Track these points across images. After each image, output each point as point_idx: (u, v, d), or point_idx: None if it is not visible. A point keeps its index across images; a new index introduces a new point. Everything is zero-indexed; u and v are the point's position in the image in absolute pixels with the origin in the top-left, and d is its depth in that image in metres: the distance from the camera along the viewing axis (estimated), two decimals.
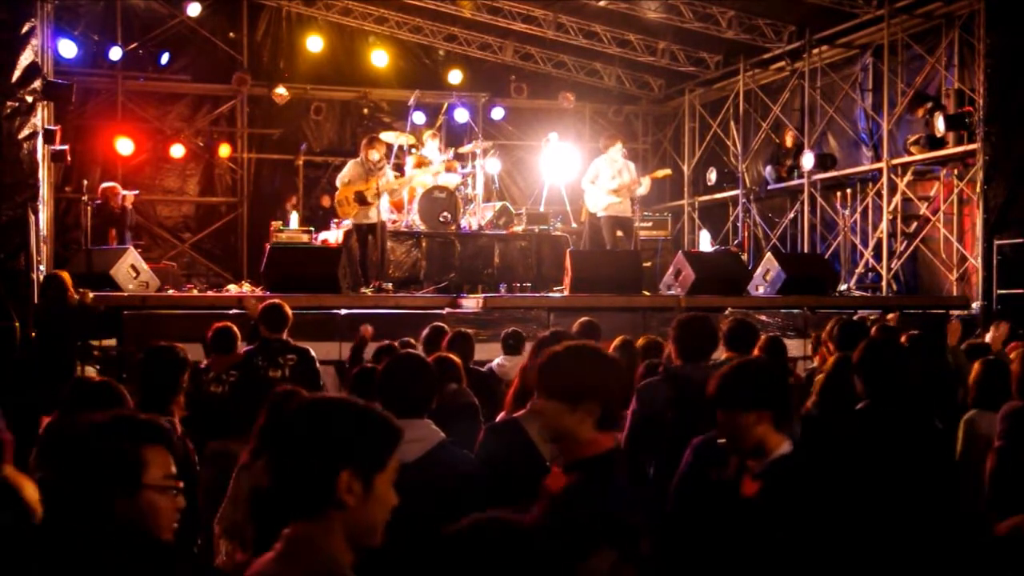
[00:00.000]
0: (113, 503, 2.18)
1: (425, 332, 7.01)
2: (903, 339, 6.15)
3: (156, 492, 2.24)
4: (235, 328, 6.68)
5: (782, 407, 3.25)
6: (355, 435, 2.06)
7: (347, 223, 11.69)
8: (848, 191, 14.39)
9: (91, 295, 8.66)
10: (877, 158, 13.42)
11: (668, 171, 13.31)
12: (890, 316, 8.82)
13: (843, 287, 13.24)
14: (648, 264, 13.61)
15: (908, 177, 12.99)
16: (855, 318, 9.03)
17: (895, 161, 12.86)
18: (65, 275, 8.69)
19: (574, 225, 13.95)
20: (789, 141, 14.97)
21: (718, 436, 3.30)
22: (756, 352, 6.51)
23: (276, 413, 2.17)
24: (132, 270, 10.63)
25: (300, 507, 2.04)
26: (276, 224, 14.38)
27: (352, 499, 2.02)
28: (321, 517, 2.02)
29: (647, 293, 11.35)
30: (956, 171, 12.50)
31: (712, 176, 16.37)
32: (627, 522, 2.65)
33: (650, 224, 15.52)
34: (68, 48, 14.03)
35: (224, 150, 16.20)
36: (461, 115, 16.00)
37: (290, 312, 6.83)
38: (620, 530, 2.61)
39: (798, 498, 3.12)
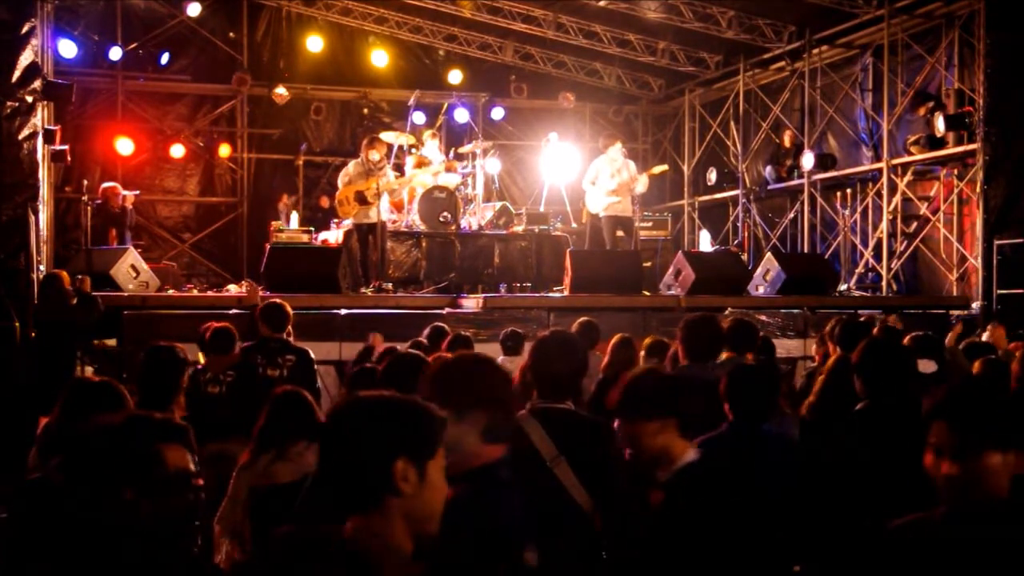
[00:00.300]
0: (138, 501, 2.24)
1: (426, 332, 7.02)
2: (906, 340, 6.14)
3: (175, 489, 2.30)
4: (233, 328, 6.67)
5: (686, 414, 3.26)
6: (407, 425, 2.13)
7: (347, 223, 11.70)
8: (848, 191, 14.39)
9: (88, 281, 8.64)
10: (877, 158, 13.42)
11: (665, 167, 13.30)
12: (891, 318, 8.80)
13: (843, 287, 13.24)
14: (648, 264, 13.61)
15: (908, 177, 12.99)
16: (861, 319, 8.99)
17: (895, 161, 12.86)
18: (64, 275, 8.69)
19: (574, 225, 13.96)
20: (787, 141, 14.97)
21: (621, 446, 3.29)
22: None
23: (331, 413, 2.22)
24: (132, 270, 10.63)
25: (359, 499, 2.10)
26: (276, 224, 14.39)
27: (408, 487, 2.08)
28: (380, 507, 2.08)
29: (647, 293, 11.35)
30: (956, 171, 12.50)
31: (712, 176, 16.37)
32: (512, 535, 2.62)
33: (650, 224, 15.52)
34: (68, 48, 14.02)
35: (224, 150, 16.20)
36: (461, 115, 16.00)
37: (291, 312, 6.83)
38: (504, 543, 2.58)
39: (696, 507, 3.11)
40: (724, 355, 5.15)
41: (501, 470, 2.75)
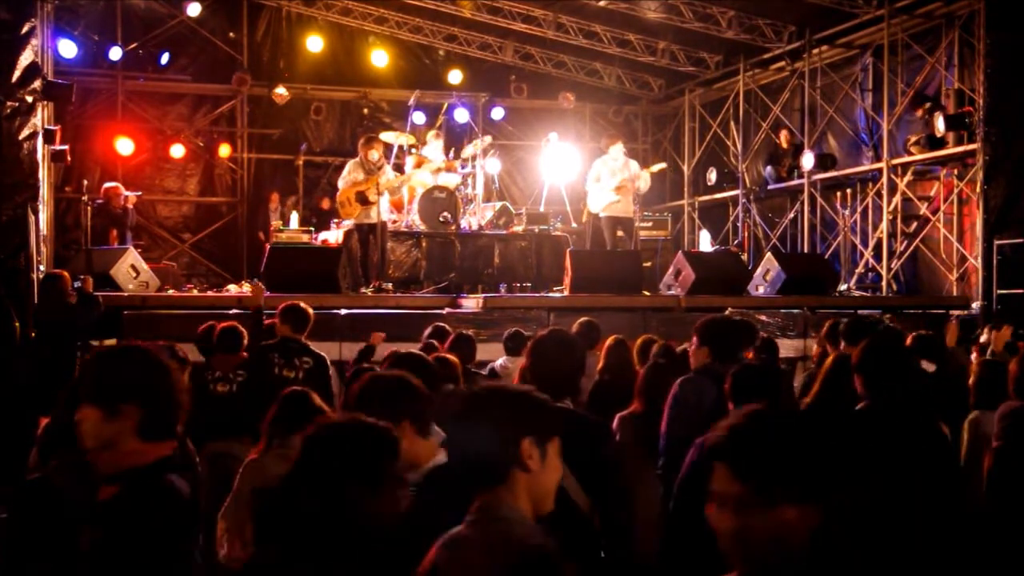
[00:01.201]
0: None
1: (427, 332, 7.01)
2: (909, 339, 6.14)
3: (397, 484, 2.55)
4: (241, 328, 6.67)
5: (420, 414, 3.08)
6: (531, 409, 2.41)
7: (347, 223, 11.70)
8: (848, 191, 14.39)
9: (90, 281, 8.65)
10: (877, 158, 13.42)
11: (663, 164, 13.30)
12: (885, 317, 8.78)
13: (843, 287, 13.24)
14: (648, 264, 13.62)
15: (908, 177, 12.99)
16: (867, 320, 8.96)
17: (895, 161, 12.86)
18: (65, 275, 8.69)
19: (574, 225, 13.96)
20: (784, 141, 14.97)
21: None
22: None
23: (462, 400, 2.45)
24: (132, 270, 10.64)
25: (489, 474, 2.33)
26: (276, 224, 14.40)
27: (533, 464, 2.33)
28: (509, 481, 2.32)
29: (647, 293, 11.36)
30: (956, 171, 12.50)
31: (712, 176, 16.37)
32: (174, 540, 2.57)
33: (650, 224, 15.52)
34: (68, 48, 14.03)
35: (224, 150, 16.21)
36: (461, 115, 16.01)
37: (312, 313, 6.70)
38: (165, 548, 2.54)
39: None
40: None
41: (164, 471, 2.64)
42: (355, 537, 2.35)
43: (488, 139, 13.50)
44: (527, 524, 2.31)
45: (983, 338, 7.41)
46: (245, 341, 6.59)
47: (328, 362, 6.72)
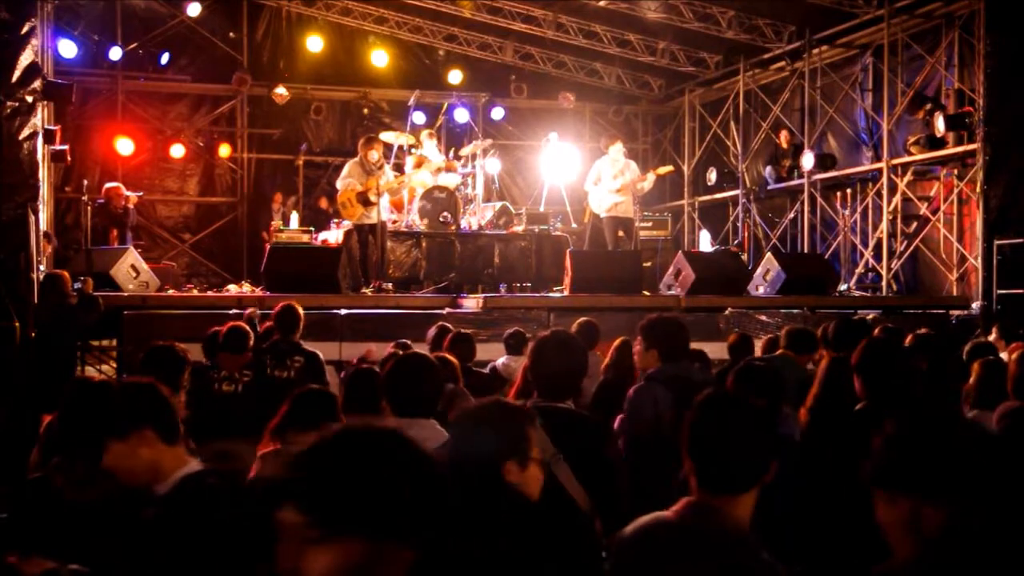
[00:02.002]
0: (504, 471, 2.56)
1: (431, 332, 7.05)
2: (908, 339, 6.14)
3: (537, 465, 2.65)
4: (247, 328, 6.73)
5: (164, 422, 2.92)
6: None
7: (347, 223, 11.70)
8: (848, 191, 14.39)
9: (91, 282, 8.66)
10: (877, 158, 13.42)
11: (671, 168, 13.31)
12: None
13: (843, 287, 13.24)
14: (648, 264, 13.62)
15: (908, 177, 12.98)
16: (855, 322, 8.97)
17: (895, 161, 12.86)
18: (65, 275, 8.69)
19: (574, 225, 13.96)
20: (784, 141, 14.97)
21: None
22: (759, 352, 6.52)
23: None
24: (132, 270, 10.64)
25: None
26: (276, 224, 14.40)
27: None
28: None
29: (647, 293, 11.36)
30: (956, 171, 12.50)
31: (712, 176, 16.37)
32: None
33: (650, 224, 15.52)
34: (68, 48, 14.03)
35: (224, 150, 16.20)
36: (461, 115, 16.01)
37: (301, 315, 6.92)
38: None
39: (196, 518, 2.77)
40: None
41: None
42: (514, 510, 2.43)
43: (488, 142, 13.48)
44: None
45: (991, 338, 7.40)
46: (251, 342, 6.65)
47: (321, 359, 6.90)
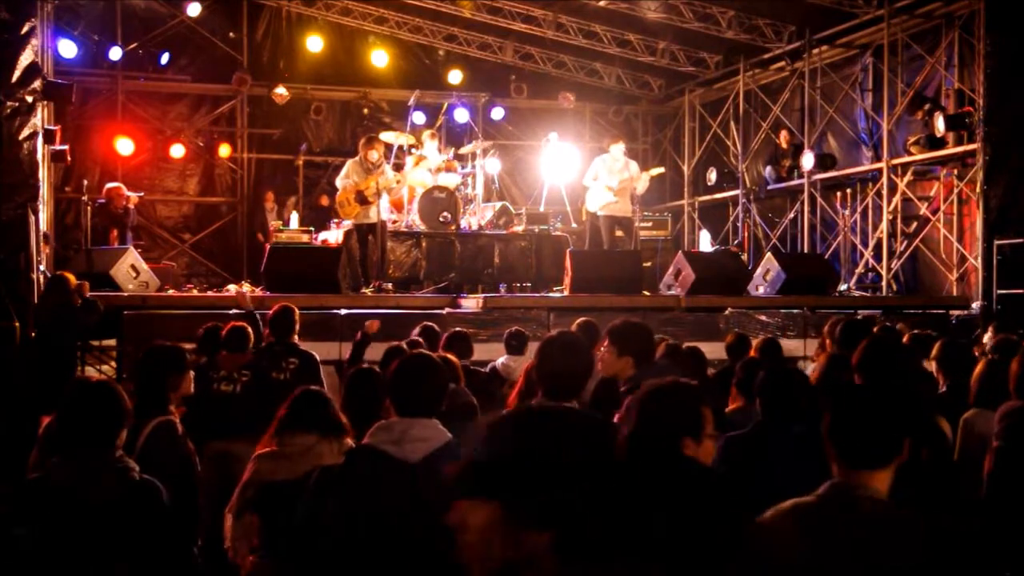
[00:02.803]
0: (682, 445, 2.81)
1: (416, 332, 6.97)
2: (906, 337, 6.14)
3: (711, 440, 2.90)
4: (248, 328, 6.72)
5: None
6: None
7: (347, 223, 11.70)
8: (848, 191, 14.40)
9: (87, 286, 8.64)
10: (877, 158, 13.42)
11: (662, 169, 13.31)
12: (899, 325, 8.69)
13: (843, 287, 13.24)
14: (648, 264, 13.62)
15: (908, 177, 12.99)
16: (862, 321, 8.96)
17: (895, 161, 12.86)
18: (70, 276, 8.69)
19: (574, 225, 13.96)
20: (784, 142, 14.97)
21: None
22: (752, 353, 6.53)
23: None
24: (132, 270, 10.63)
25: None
26: (276, 224, 14.39)
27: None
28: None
29: (647, 293, 11.36)
30: (956, 171, 12.51)
31: (712, 176, 16.37)
32: None
33: (650, 224, 15.53)
34: (68, 48, 14.03)
35: (224, 150, 16.20)
36: (461, 115, 16.01)
37: (296, 317, 6.89)
38: None
39: None
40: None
41: None
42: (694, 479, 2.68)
43: (483, 145, 13.47)
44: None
45: (985, 338, 7.40)
46: (251, 342, 6.65)
47: (316, 359, 6.84)
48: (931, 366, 5.38)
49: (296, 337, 6.90)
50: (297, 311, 6.99)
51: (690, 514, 2.54)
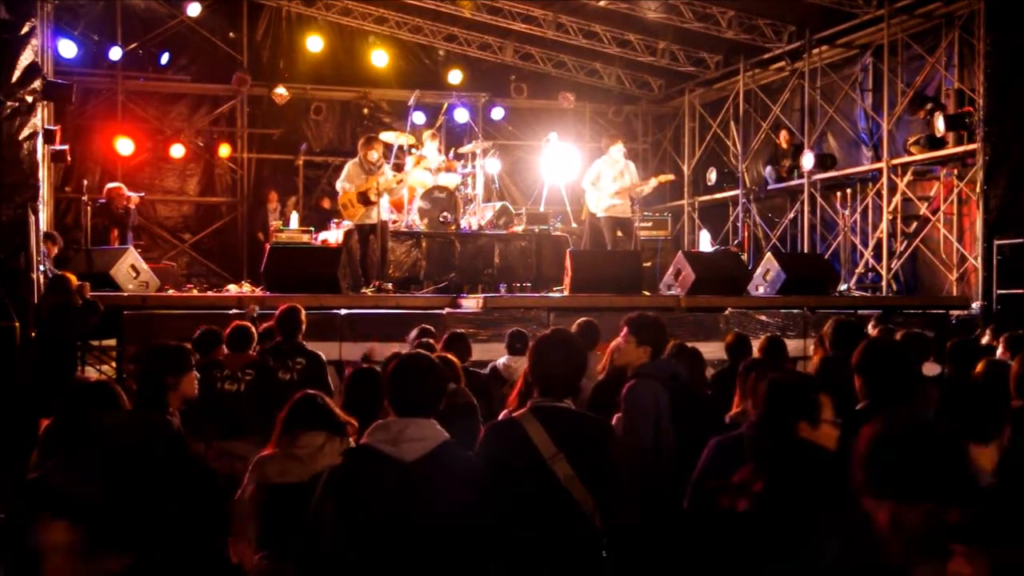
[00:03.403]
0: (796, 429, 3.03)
1: (413, 334, 6.96)
2: (898, 336, 6.14)
3: (829, 424, 3.09)
4: (251, 327, 6.74)
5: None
6: None
7: (347, 223, 11.70)
8: (848, 191, 14.39)
9: (88, 287, 8.65)
10: (877, 158, 13.42)
11: (671, 176, 13.32)
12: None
13: (843, 287, 13.24)
14: (648, 264, 13.61)
15: (908, 177, 12.99)
16: (854, 323, 8.95)
17: (895, 161, 12.86)
18: (71, 277, 8.69)
19: (574, 225, 13.95)
20: (784, 142, 14.97)
21: None
22: (757, 353, 6.51)
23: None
24: (132, 270, 10.63)
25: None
26: (276, 224, 14.39)
27: None
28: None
29: (647, 293, 11.35)
30: (956, 171, 12.50)
31: (712, 176, 16.37)
32: None
33: (650, 224, 15.52)
34: (68, 48, 14.03)
35: (224, 150, 16.21)
36: (461, 115, 16.01)
37: (303, 317, 6.95)
38: None
39: None
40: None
41: None
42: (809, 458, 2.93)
43: (483, 145, 13.48)
44: None
45: (984, 339, 7.39)
46: (255, 341, 6.66)
47: (323, 360, 6.93)
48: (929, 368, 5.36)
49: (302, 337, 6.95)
50: (304, 311, 7.01)
51: (796, 487, 2.83)
